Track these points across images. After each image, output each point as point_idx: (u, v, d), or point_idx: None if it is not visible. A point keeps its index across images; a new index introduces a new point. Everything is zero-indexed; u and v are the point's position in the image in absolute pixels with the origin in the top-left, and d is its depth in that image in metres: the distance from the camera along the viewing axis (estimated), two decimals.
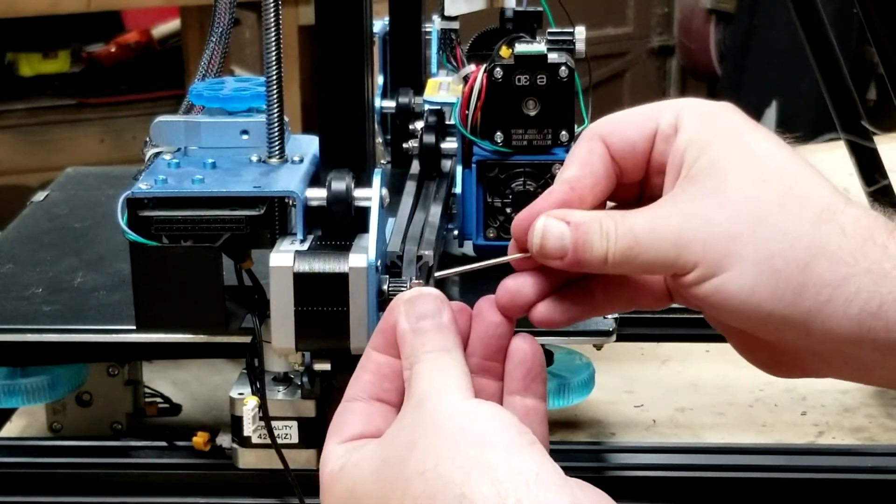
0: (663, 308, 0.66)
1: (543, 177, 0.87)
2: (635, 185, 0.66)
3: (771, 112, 3.45)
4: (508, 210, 0.88)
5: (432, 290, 0.62)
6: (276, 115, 0.78)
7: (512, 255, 0.65)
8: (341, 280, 0.72)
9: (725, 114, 0.64)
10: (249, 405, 0.78)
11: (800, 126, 3.30)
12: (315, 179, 0.77)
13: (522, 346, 0.64)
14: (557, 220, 0.62)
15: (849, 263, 0.59)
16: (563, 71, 0.86)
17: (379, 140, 1.05)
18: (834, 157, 1.59)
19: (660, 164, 0.64)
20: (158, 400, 0.95)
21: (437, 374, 0.60)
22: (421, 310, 0.62)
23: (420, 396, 0.59)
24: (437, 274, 0.77)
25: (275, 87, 0.77)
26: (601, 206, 0.64)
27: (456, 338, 0.62)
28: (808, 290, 0.59)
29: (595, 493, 0.55)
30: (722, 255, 0.59)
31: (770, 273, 0.59)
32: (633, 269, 0.62)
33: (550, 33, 0.89)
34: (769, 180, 0.61)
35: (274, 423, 0.79)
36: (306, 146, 0.80)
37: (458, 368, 0.60)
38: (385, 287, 0.74)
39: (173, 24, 3.33)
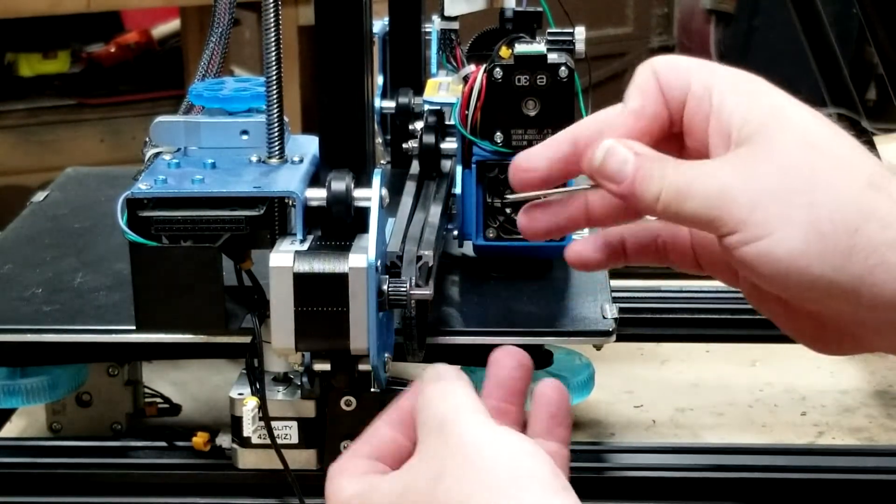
0: (693, 273, 0.66)
1: None
2: (676, 141, 0.65)
3: None
4: (508, 210, 0.88)
5: (445, 364, 0.62)
6: (275, 115, 0.78)
7: (581, 186, 0.65)
8: (341, 280, 0.72)
9: (763, 85, 0.64)
10: (249, 405, 0.78)
11: None
12: (315, 180, 0.77)
13: (548, 391, 0.64)
14: (624, 146, 0.62)
15: None
16: (563, 71, 0.86)
17: (379, 140, 1.05)
18: None
19: (691, 124, 0.63)
20: (158, 400, 0.95)
21: (450, 397, 0.59)
22: (436, 372, 0.62)
23: (439, 420, 0.58)
24: (508, 197, 0.77)
25: (275, 87, 0.77)
26: (655, 145, 0.64)
27: (468, 384, 0.61)
28: (857, 254, 0.58)
29: None
30: (770, 216, 0.58)
31: (819, 235, 0.58)
32: (679, 216, 0.61)
33: (550, 33, 0.89)
34: (818, 146, 0.60)
35: (274, 424, 0.79)
36: (306, 146, 0.80)
37: (470, 393, 0.60)
38: (385, 287, 0.74)
39: (173, 25, 3.33)
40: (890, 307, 0.58)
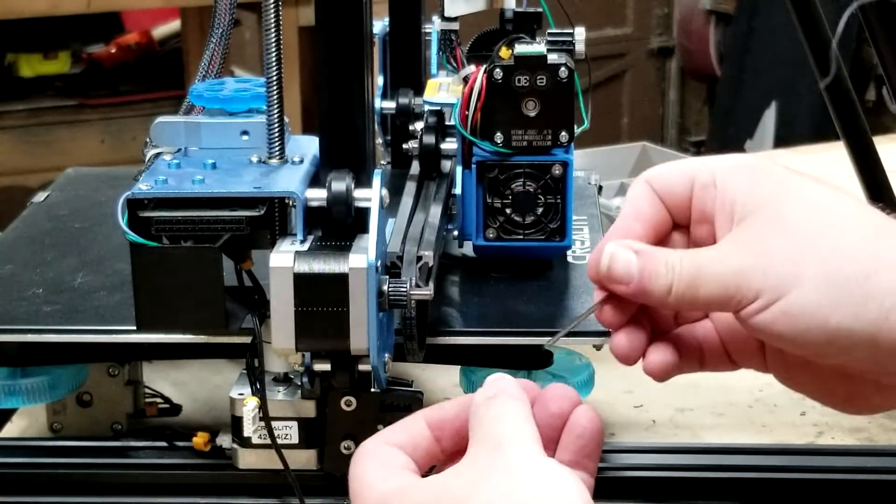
0: (730, 371, 0.68)
1: (543, 177, 0.87)
2: (684, 234, 0.68)
3: (770, 113, 3.45)
4: (508, 210, 0.88)
5: (506, 376, 0.64)
6: (276, 115, 0.78)
7: (600, 298, 0.67)
8: (341, 280, 0.72)
9: (765, 163, 0.66)
10: (249, 405, 0.78)
11: (799, 127, 3.31)
12: (315, 180, 0.77)
13: (583, 421, 0.64)
14: (626, 248, 0.65)
15: None
16: (563, 72, 0.86)
17: (379, 141, 1.05)
18: (833, 157, 1.59)
19: (701, 213, 0.66)
20: (158, 400, 0.95)
21: (510, 419, 0.61)
22: (496, 387, 0.63)
23: (496, 440, 0.60)
24: (548, 345, 0.79)
25: (275, 87, 0.77)
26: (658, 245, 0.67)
27: (527, 403, 0.63)
28: (871, 300, 0.60)
29: None
30: (783, 278, 0.61)
31: (833, 288, 0.60)
32: (695, 303, 0.63)
33: (550, 34, 0.89)
34: (822, 207, 0.62)
35: (274, 424, 0.79)
36: (306, 147, 0.80)
37: (527, 416, 0.61)
38: (385, 287, 0.74)
39: (173, 25, 3.34)
40: None
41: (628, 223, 0.67)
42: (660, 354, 0.67)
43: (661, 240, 0.68)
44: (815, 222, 0.62)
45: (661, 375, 0.67)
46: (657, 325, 0.68)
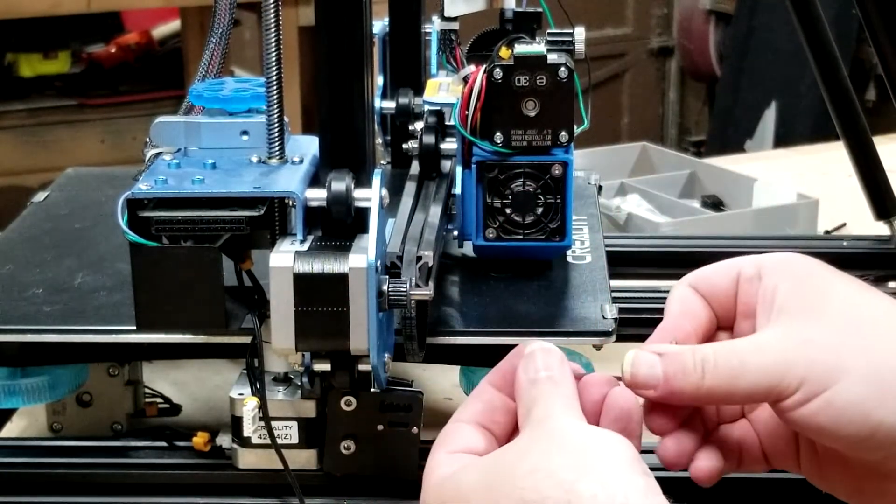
0: (763, 471, 0.68)
1: (543, 177, 0.87)
2: (728, 334, 0.68)
3: (770, 113, 3.45)
4: (508, 210, 0.88)
5: (552, 347, 0.65)
6: (276, 115, 0.78)
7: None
8: (341, 280, 0.72)
9: (810, 261, 0.66)
10: (249, 405, 0.78)
11: (799, 127, 3.31)
12: (315, 180, 0.77)
13: (620, 402, 0.64)
14: (648, 352, 0.64)
15: None
16: (563, 71, 0.86)
17: (379, 141, 1.05)
18: (833, 157, 1.59)
19: (746, 307, 0.66)
20: (158, 400, 0.95)
21: (558, 401, 0.62)
22: (540, 363, 0.64)
23: (540, 418, 0.61)
24: None
25: (275, 87, 0.77)
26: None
27: (572, 384, 0.63)
28: None
29: None
30: (828, 370, 0.61)
31: (879, 382, 0.60)
32: (733, 395, 0.62)
33: (550, 34, 0.89)
34: (861, 303, 0.63)
35: (274, 424, 0.79)
36: (306, 147, 0.80)
37: (575, 398, 0.62)
38: (385, 287, 0.74)
39: (173, 25, 3.34)
40: None
41: (676, 322, 0.67)
42: (708, 461, 0.66)
43: (708, 340, 0.67)
44: (856, 316, 0.62)
45: (708, 482, 0.66)
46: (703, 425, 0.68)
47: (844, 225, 1.58)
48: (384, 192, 0.74)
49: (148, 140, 0.81)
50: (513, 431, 0.64)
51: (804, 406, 0.61)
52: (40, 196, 1.06)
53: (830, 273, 0.65)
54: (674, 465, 0.66)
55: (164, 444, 0.86)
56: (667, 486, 0.59)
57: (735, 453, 0.67)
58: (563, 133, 0.87)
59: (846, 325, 0.62)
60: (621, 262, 1.11)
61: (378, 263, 0.73)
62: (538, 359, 0.64)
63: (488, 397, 0.65)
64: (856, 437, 0.61)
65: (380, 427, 0.79)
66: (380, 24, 1.04)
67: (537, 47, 0.87)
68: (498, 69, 0.86)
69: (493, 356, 0.82)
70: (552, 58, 0.86)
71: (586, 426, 0.60)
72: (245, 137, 0.80)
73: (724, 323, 0.68)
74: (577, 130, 0.88)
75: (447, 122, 0.93)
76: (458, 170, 0.89)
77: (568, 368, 0.64)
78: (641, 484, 0.56)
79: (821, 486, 0.67)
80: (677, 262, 1.18)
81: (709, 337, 0.68)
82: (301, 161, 0.78)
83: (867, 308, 0.63)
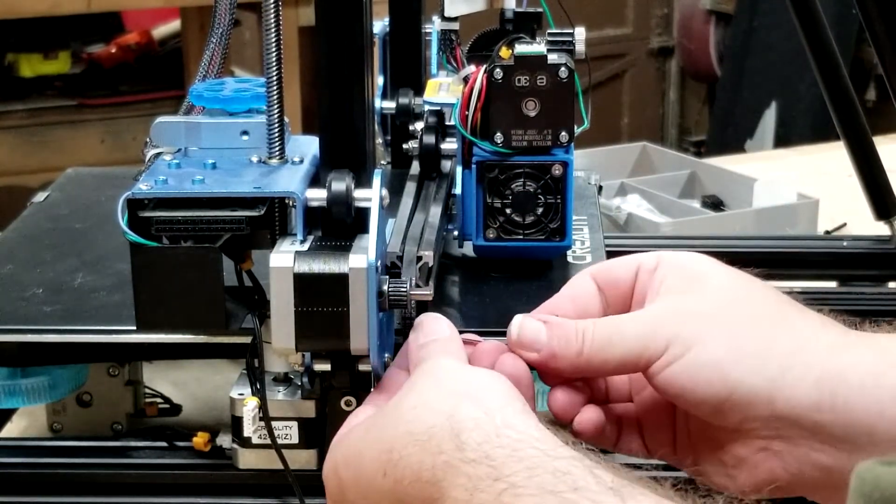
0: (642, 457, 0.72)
1: (543, 177, 0.87)
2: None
3: (770, 113, 3.45)
4: (508, 210, 0.88)
5: (438, 316, 0.70)
6: (276, 115, 0.78)
7: None
8: (341, 280, 0.72)
9: (700, 256, 0.71)
10: (249, 405, 0.78)
11: (799, 126, 3.31)
12: (315, 180, 0.77)
13: (508, 368, 0.68)
14: (534, 319, 0.69)
15: (808, 337, 0.65)
16: (563, 72, 0.86)
17: (379, 141, 1.05)
18: (833, 157, 1.59)
19: (641, 296, 0.70)
20: (158, 400, 0.95)
21: (441, 353, 0.67)
22: (427, 329, 0.69)
23: (417, 363, 0.66)
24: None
25: (275, 87, 0.77)
26: None
27: (458, 343, 0.68)
28: (771, 358, 0.64)
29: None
30: (692, 334, 0.65)
31: (737, 347, 0.65)
32: (605, 364, 0.67)
33: (550, 34, 0.89)
34: (737, 290, 0.68)
35: (274, 424, 0.79)
36: (306, 147, 0.80)
37: (460, 352, 0.67)
38: (385, 287, 0.74)
39: (173, 25, 3.34)
40: (802, 407, 0.64)
41: (559, 301, 0.71)
42: (592, 412, 0.70)
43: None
44: (728, 293, 0.68)
45: (589, 434, 0.69)
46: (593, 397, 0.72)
47: (844, 225, 1.58)
48: (384, 192, 0.74)
49: (148, 140, 0.81)
50: None
51: (668, 368, 0.65)
52: (40, 196, 1.06)
53: (718, 267, 0.69)
54: (562, 414, 0.69)
55: (164, 444, 0.86)
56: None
57: (615, 426, 0.71)
58: (564, 133, 0.87)
59: (715, 303, 0.67)
60: None
61: (378, 263, 0.73)
62: (426, 326, 0.69)
63: (392, 378, 0.70)
64: (715, 399, 0.65)
65: None
66: (380, 24, 1.04)
67: (537, 47, 0.87)
68: (498, 69, 0.86)
69: None
70: (552, 58, 0.86)
71: (465, 366, 0.65)
72: (245, 137, 0.80)
73: (620, 310, 0.71)
74: (578, 130, 0.88)
75: (447, 122, 0.93)
76: (459, 170, 0.89)
77: (455, 332, 0.69)
78: (519, 406, 0.60)
79: (696, 475, 0.69)
80: None
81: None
82: (301, 161, 0.78)
83: (742, 293, 0.68)
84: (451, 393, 0.61)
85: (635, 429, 0.72)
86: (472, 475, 0.57)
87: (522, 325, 0.69)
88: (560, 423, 0.69)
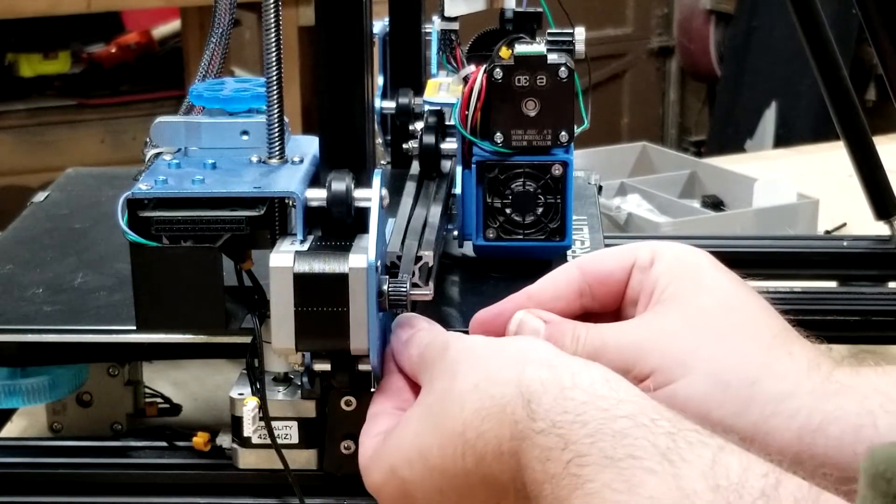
0: None
1: (543, 177, 0.87)
2: (611, 317, 0.71)
3: (770, 112, 3.45)
4: (508, 210, 0.88)
5: (413, 315, 0.71)
6: (276, 115, 0.78)
7: None
8: (341, 280, 0.72)
9: (697, 254, 0.70)
10: (249, 405, 0.78)
11: (799, 126, 3.31)
12: (315, 180, 0.77)
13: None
14: (535, 317, 0.69)
15: (793, 383, 0.64)
16: (563, 71, 0.86)
17: (379, 141, 1.05)
18: (833, 157, 1.59)
19: (634, 293, 0.69)
20: (158, 400, 0.95)
21: (448, 336, 0.66)
22: (413, 323, 0.70)
23: (440, 346, 0.65)
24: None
25: (275, 87, 0.77)
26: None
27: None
28: (754, 404, 0.63)
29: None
30: (677, 365, 0.64)
31: (721, 386, 0.64)
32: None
33: (550, 34, 0.89)
34: (732, 308, 0.66)
35: (274, 424, 0.79)
36: (306, 147, 0.80)
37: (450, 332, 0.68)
38: (385, 287, 0.74)
39: (173, 25, 3.34)
40: (780, 454, 0.61)
41: (539, 288, 0.71)
42: None
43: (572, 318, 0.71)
44: (721, 321, 0.66)
45: None
46: None
47: (844, 225, 1.58)
48: (384, 192, 0.74)
49: (148, 140, 0.81)
50: None
51: (652, 394, 0.63)
52: (40, 196, 1.06)
53: (715, 271, 0.68)
54: None
55: (164, 444, 0.86)
56: None
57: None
58: (563, 133, 0.87)
59: (707, 327, 0.65)
60: None
61: (378, 263, 0.73)
62: (410, 322, 0.70)
63: (391, 383, 0.70)
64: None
65: None
66: (380, 24, 1.04)
67: (537, 47, 0.87)
68: (498, 69, 0.86)
69: None
70: (552, 58, 0.86)
71: (496, 338, 0.64)
72: (245, 137, 0.80)
73: (610, 307, 0.70)
74: (577, 130, 0.88)
75: (447, 122, 0.93)
76: (458, 170, 0.89)
77: (438, 326, 0.69)
78: (580, 361, 0.60)
79: None
80: None
81: (571, 314, 0.71)
82: (301, 161, 0.78)
83: (734, 311, 0.66)
84: (509, 360, 0.60)
85: None
86: (542, 446, 0.57)
87: (523, 323, 0.69)
88: None
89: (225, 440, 0.83)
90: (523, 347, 0.62)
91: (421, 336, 0.70)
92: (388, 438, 0.65)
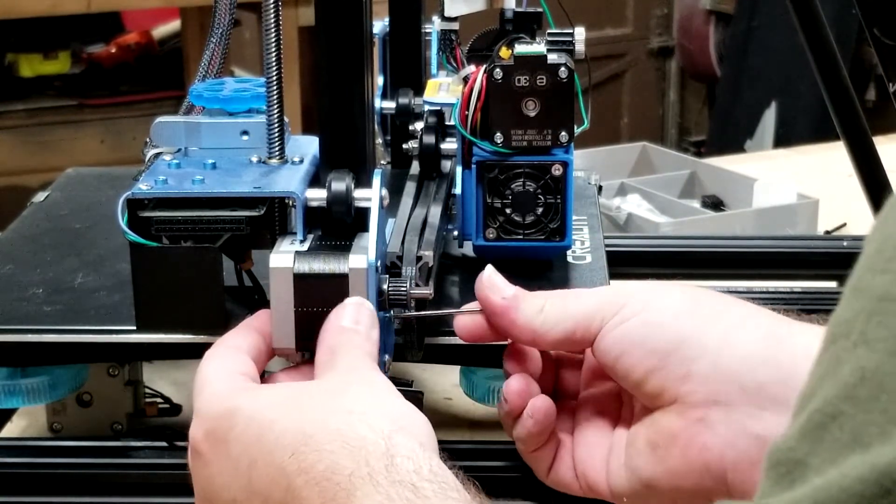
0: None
1: (543, 177, 0.87)
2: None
3: (770, 112, 3.45)
4: (508, 210, 0.88)
5: (364, 301, 0.71)
6: (276, 115, 0.78)
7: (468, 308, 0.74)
8: (341, 280, 0.72)
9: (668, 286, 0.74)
10: None
11: (799, 126, 3.31)
12: (315, 180, 0.77)
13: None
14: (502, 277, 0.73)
15: (758, 309, 0.68)
16: (563, 72, 0.86)
17: (379, 141, 1.05)
18: (833, 157, 1.59)
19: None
20: (158, 400, 0.95)
21: (362, 354, 0.69)
22: (350, 315, 0.70)
23: (349, 365, 0.67)
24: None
25: (275, 87, 0.77)
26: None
27: (376, 342, 0.70)
28: (724, 317, 0.68)
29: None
30: (649, 293, 0.69)
31: (693, 303, 0.69)
32: (560, 322, 0.70)
33: (550, 34, 0.89)
34: (701, 298, 0.70)
35: None
36: (306, 147, 0.80)
37: (375, 354, 0.69)
38: (385, 287, 0.74)
39: (173, 25, 3.34)
40: (747, 365, 0.65)
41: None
42: (543, 402, 0.72)
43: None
44: (690, 302, 0.69)
45: (544, 422, 0.71)
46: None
47: (844, 225, 1.58)
48: (384, 192, 0.74)
49: (148, 140, 0.81)
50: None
51: (623, 324, 0.68)
52: (40, 196, 1.06)
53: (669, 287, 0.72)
54: (517, 399, 0.71)
55: (164, 444, 0.86)
56: None
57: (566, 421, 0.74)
58: (563, 133, 0.87)
59: (683, 301, 0.69)
60: (621, 262, 1.11)
61: (378, 263, 0.73)
62: (350, 311, 0.70)
63: (258, 340, 0.72)
64: (663, 350, 0.66)
65: None
66: (380, 24, 1.03)
67: (537, 47, 0.87)
68: (498, 69, 0.86)
69: (493, 356, 0.83)
70: (552, 58, 0.86)
71: (397, 392, 0.66)
72: (245, 137, 0.80)
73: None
74: (577, 130, 0.88)
75: (447, 122, 0.93)
76: (458, 170, 0.89)
77: (376, 324, 0.70)
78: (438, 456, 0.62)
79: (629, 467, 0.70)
80: (677, 262, 1.18)
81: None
82: (301, 161, 0.78)
83: (708, 301, 0.70)
84: (389, 418, 0.61)
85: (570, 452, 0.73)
86: (392, 496, 0.57)
87: (494, 271, 0.72)
88: (513, 413, 0.71)
89: None
90: (411, 418, 0.63)
91: (350, 338, 0.70)
92: (258, 392, 0.66)
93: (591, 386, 0.75)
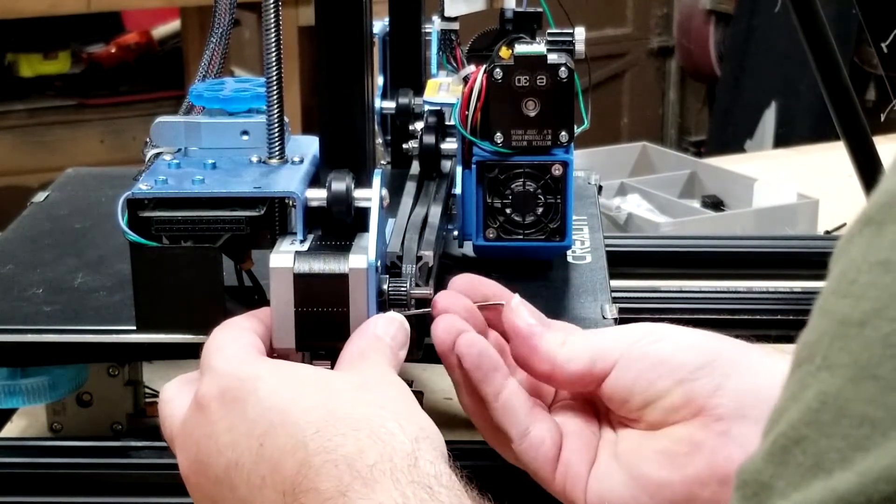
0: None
1: (543, 177, 0.87)
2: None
3: (770, 112, 3.45)
4: (508, 210, 0.88)
5: (397, 316, 0.72)
6: (276, 115, 0.78)
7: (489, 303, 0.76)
8: (341, 280, 0.72)
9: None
10: None
11: (799, 126, 3.31)
12: (315, 180, 0.77)
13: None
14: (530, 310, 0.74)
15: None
16: (563, 71, 0.86)
17: (379, 141, 1.05)
18: (833, 157, 1.59)
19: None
20: (158, 400, 0.95)
21: (390, 364, 0.69)
22: (383, 327, 0.71)
23: (378, 368, 0.68)
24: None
25: (275, 87, 0.77)
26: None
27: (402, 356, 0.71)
28: (723, 355, 0.69)
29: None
30: (660, 334, 0.70)
31: (701, 336, 0.70)
32: (575, 352, 0.70)
33: (550, 34, 0.89)
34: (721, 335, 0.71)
35: None
36: (306, 147, 0.80)
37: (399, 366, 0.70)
38: (385, 287, 0.74)
39: (173, 25, 3.34)
40: (777, 381, 0.65)
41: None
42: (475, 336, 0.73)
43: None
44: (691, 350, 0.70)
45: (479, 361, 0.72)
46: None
47: (844, 225, 1.58)
48: (384, 192, 0.74)
49: (148, 140, 0.81)
50: None
51: (655, 344, 0.68)
52: (40, 196, 1.06)
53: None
54: (443, 338, 0.72)
55: (164, 444, 0.85)
56: None
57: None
58: (563, 133, 0.87)
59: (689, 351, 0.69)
60: (621, 262, 1.11)
61: (378, 263, 0.73)
62: (384, 322, 0.71)
63: (262, 329, 0.72)
64: (694, 364, 0.67)
65: None
66: (380, 24, 1.03)
67: (537, 47, 0.87)
68: (498, 69, 0.86)
69: None
70: (552, 58, 0.86)
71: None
72: (245, 137, 0.80)
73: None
74: (577, 130, 0.88)
75: (447, 122, 0.93)
76: (458, 170, 0.89)
77: (406, 344, 0.71)
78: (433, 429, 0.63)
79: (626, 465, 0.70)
80: (677, 262, 1.18)
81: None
82: (301, 161, 0.78)
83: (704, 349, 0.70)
84: (418, 425, 0.62)
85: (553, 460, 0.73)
86: (408, 495, 0.58)
87: (522, 300, 0.73)
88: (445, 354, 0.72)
89: None
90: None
91: (383, 343, 0.70)
92: (283, 369, 0.66)
93: (560, 399, 0.74)
